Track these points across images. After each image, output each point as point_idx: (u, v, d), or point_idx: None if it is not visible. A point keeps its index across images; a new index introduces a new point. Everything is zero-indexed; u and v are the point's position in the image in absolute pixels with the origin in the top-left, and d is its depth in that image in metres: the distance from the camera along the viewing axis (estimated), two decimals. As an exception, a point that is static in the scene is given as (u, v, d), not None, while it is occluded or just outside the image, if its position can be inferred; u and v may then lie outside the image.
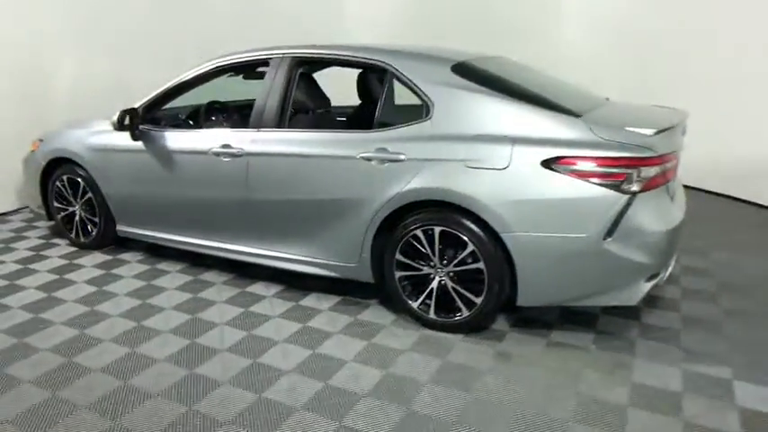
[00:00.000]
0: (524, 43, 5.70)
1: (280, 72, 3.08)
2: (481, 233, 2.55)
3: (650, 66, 5.57)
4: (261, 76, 3.69)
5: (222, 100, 4.11)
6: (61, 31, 5.07)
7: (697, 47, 5.18)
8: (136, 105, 3.46)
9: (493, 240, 2.54)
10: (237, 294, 3.26)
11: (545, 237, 2.45)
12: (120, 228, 3.79)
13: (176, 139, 3.36)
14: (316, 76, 3.70)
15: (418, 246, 2.72)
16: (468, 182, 2.53)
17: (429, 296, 2.76)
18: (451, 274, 2.69)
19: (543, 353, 2.61)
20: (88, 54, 5.26)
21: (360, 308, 3.06)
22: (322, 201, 2.90)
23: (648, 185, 2.42)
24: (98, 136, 3.66)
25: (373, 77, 3.76)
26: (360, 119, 3.47)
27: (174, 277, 3.51)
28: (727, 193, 5.23)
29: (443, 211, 2.64)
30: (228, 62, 3.30)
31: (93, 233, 3.89)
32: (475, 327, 2.75)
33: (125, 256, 3.86)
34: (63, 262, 3.78)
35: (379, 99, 2.88)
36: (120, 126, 3.36)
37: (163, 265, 3.68)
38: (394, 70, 2.82)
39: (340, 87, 4.09)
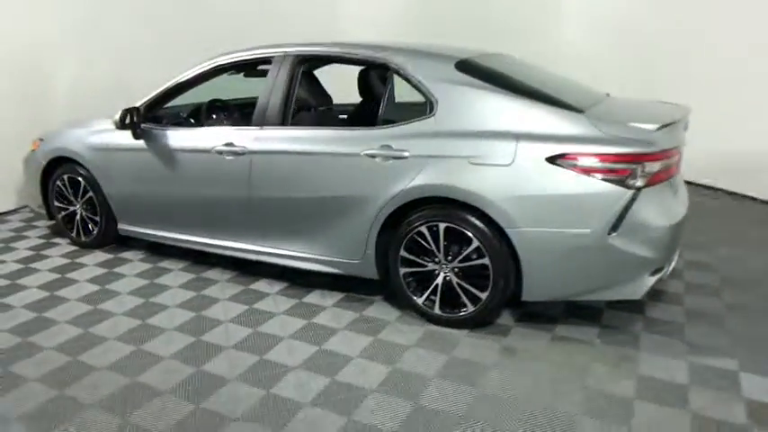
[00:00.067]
0: (523, 42, 5.70)
1: (282, 70, 3.08)
2: (486, 229, 2.56)
3: (650, 63, 5.59)
4: (262, 74, 3.70)
5: (223, 98, 4.10)
6: (61, 32, 5.05)
7: (697, 44, 5.20)
8: (137, 104, 3.45)
9: (498, 236, 2.55)
10: (241, 292, 3.26)
11: (550, 232, 2.46)
12: (122, 227, 3.78)
13: (178, 138, 3.36)
14: (316, 73, 3.71)
15: (423, 242, 2.72)
16: (473, 178, 2.54)
17: (434, 292, 2.77)
18: (456, 269, 2.70)
19: (548, 347, 2.62)
20: (88, 54, 5.24)
21: (364, 304, 3.07)
22: (326, 198, 2.90)
23: (652, 180, 2.44)
24: (99, 135, 3.65)
25: (374, 75, 3.77)
26: (362, 116, 3.48)
27: (176, 275, 3.50)
28: (727, 188, 5.26)
29: (448, 207, 2.64)
30: (231, 60, 3.29)
31: (95, 232, 3.88)
32: (480, 322, 2.76)
33: (126, 254, 3.85)
34: (64, 261, 3.77)
35: (383, 96, 2.89)
36: (122, 125, 3.35)
37: (165, 264, 3.68)
38: (397, 67, 2.83)
39: (341, 85, 4.09)
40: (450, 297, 2.75)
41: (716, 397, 2.22)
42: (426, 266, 2.77)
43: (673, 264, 2.72)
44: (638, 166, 2.39)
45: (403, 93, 3.03)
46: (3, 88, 4.73)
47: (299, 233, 3.06)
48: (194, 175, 3.29)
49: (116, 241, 3.98)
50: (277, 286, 3.32)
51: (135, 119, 3.37)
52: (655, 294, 3.07)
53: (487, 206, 2.51)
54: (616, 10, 5.96)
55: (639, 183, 2.40)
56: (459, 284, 2.70)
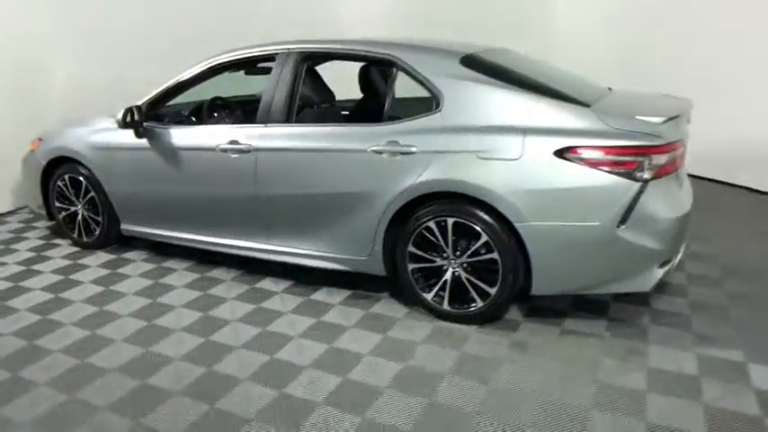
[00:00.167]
0: (519, 37, 5.68)
1: (287, 67, 3.06)
2: (495, 224, 2.56)
3: (644, 56, 5.59)
4: (263, 71, 3.67)
5: (224, 96, 4.06)
6: (56, 30, 4.99)
7: (693, 36, 5.21)
8: (139, 103, 3.41)
9: (506, 230, 2.55)
10: (247, 291, 3.24)
11: (559, 226, 2.47)
12: (125, 226, 3.75)
13: (182, 136, 3.33)
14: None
15: (431, 237, 2.72)
16: (481, 173, 2.54)
17: (443, 288, 2.77)
18: (465, 265, 2.71)
19: (558, 341, 2.63)
20: (84, 52, 5.18)
21: (371, 301, 3.07)
22: (333, 195, 2.89)
23: (659, 173, 2.44)
24: (101, 134, 3.62)
25: (376, 71, 3.75)
26: (365, 112, 3.46)
27: (181, 275, 3.48)
28: (725, 180, 5.29)
29: (456, 202, 2.64)
30: (234, 58, 3.27)
31: (97, 232, 3.85)
32: (489, 317, 2.77)
33: (129, 255, 3.83)
34: (67, 262, 3.74)
35: (388, 92, 2.88)
36: (124, 124, 3.32)
37: (169, 263, 3.66)
38: (402, 63, 2.81)
39: (339, 81, 4.06)
40: (458, 293, 2.75)
41: (726, 388, 2.24)
42: (435, 262, 2.77)
43: (680, 255, 2.73)
44: (646, 159, 2.40)
45: (405, 89, 3.01)
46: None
47: (305, 230, 3.05)
48: (199, 174, 3.27)
49: (118, 241, 3.95)
50: (283, 284, 3.31)
51: (137, 117, 3.33)
52: (659, 286, 3.04)
53: (496, 200, 2.51)
54: (612, 7, 5.96)
55: (647, 175, 2.40)
56: (467, 280, 2.71)
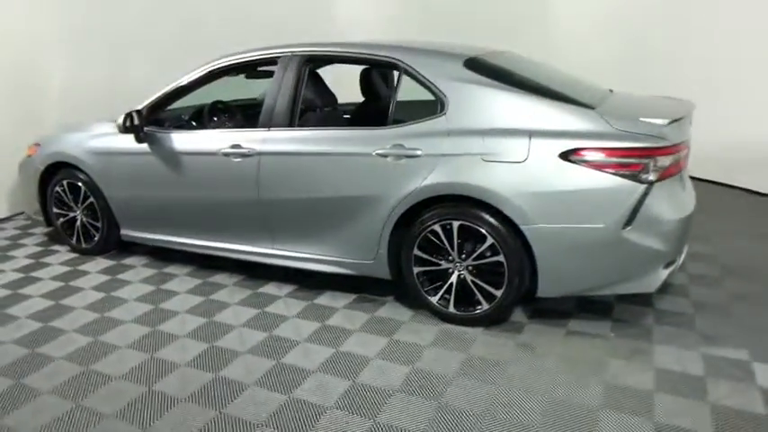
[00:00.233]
0: (512, 40, 5.72)
1: (289, 70, 3.05)
2: (500, 226, 2.57)
3: (642, 57, 5.64)
4: (263, 75, 3.66)
5: (224, 100, 4.05)
6: (54, 33, 4.96)
7: (692, 37, 5.26)
8: (139, 107, 3.39)
9: (512, 233, 2.56)
10: (250, 296, 3.23)
11: (565, 228, 2.48)
12: (125, 232, 3.73)
13: (183, 141, 3.31)
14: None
15: (436, 241, 2.73)
16: (487, 175, 2.55)
17: (448, 291, 2.77)
18: (470, 267, 2.71)
19: (564, 342, 2.64)
20: (82, 56, 5.15)
21: (376, 305, 3.06)
22: (337, 198, 2.88)
23: (664, 174, 2.46)
24: (100, 139, 3.59)
25: (377, 74, 3.75)
26: (367, 116, 3.46)
27: (183, 280, 3.46)
28: (724, 181, 5.33)
29: (461, 205, 2.65)
30: (236, 61, 3.25)
31: (96, 238, 3.82)
32: (494, 320, 2.78)
33: (129, 260, 3.80)
34: (66, 269, 3.70)
35: (392, 96, 2.88)
36: (125, 128, 3.30)
37: (170, 269, 3.63)
38: (406, 66, 2.82)
39: (341, 84, 4.07)
40: (463, 295, 2.75)
41: (732, 387, 2.26)
42: (440, 265, 2.77)
43: (683, 256, 2.75)
44: (651, 161, 2.41)
45: (406, 91, 3.01)
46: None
47: (309, 234, 3.04)
48: (201, 178, 3.25)
49: (117, 247, 3.92)
50: (286, 289, 3.30)
51: (137, 122, 3.31)
52: (662, 287, 3.10)
53: (502, 203, 2.52)
54: (607, 4, 6.00)
55: (652, 177, 2.42)
56: (473, 282, 2.71)
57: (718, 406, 2.14)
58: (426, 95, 2.85)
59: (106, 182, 3.59)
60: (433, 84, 2.74)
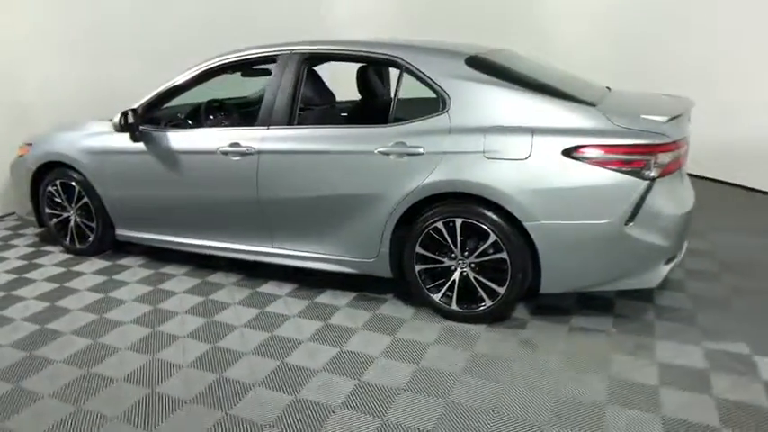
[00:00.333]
0: (512, 36, 5.74)
1: (289, 69, 3.02)
2: (503, 223, 2.57)
3: (635, 54, 5.68)
4: (259, 73, 3.63)
5: (220, 98, 4.01)
6: (43, 33, 4.87)
7: (682, 36, 5.31)
8: (135, 106, 3.34)
9: (515, 230, 2.57)
10: (250, 295, 3.20)
11: (568, 224, 2.49)
12: (120, 232, 3.68)
13: (180, 140, 3.27)
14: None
15: (439, 238, 2.72)
16: (490, 173, 2.55)
17: (450, 288, 2.77)
18: (473, 264, 2.71)
19: (567, 338, 2.65)
20: (72, 56, 5.06)
21: (377, 303, 3.05)
22: (339, 197, 2.87)
23: (665, 171, 2.48)
24: (95, 138, 3.53)
25: (374, 72, 3.74)
26: (367, 114, 3.45)
27: (180, 280, 3.42)
28: (717, 178, 5.39)
29: (464, 202, 2.64)
30: (234, 59, 3.22)
31: (90, 239, 3.76)
32: (497, 316, 2.78)
33: (125, 261, 3.75)
34: (60, 270, 3.65)
35: (394, 94, 2.87)
36: (122, 128, 3.25)
37: (167, 269, 3.59)
38: (408, 64, 2.80)
39: (338, 82, 4.05)
40: (466, 292, 2.75)
41: (736, 381, 2.28)
42: (443, 263, 2.77)
43: (683, 251, 2.78)
44: (653, 158, 2.43)
45: (404, 89, 3.00)
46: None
47: (310, 233, 3.02)
48: (199, 177, 3.21)
49: (112, 247, 3.87)
50: (286, 288, 3.27)
51: (133, 121, 3.26)
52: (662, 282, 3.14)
53: (505, 200, 2.53)
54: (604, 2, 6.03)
55: (654, 173, 2.44)
56: (476, 279, 2.71)
57: (722, 399, 2.17)
58: (426, 93, 2.84)
59: (101, 181, 3.54)
60: (434, 82, 2.73)
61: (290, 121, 3.02)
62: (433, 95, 2.77)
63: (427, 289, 2.83)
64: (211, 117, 3.74)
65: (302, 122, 3.11)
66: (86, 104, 4.75)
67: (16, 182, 3.99)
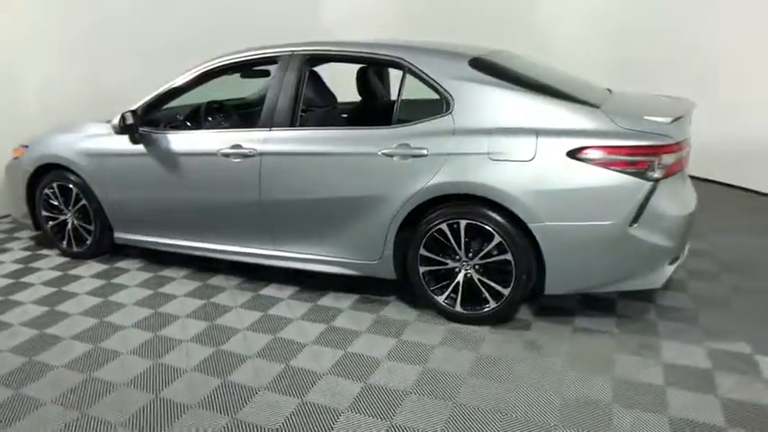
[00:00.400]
0: (510, 37, 5.75)
1: (290, 70, 3.01)
2: (508, 225, 2.57)
3: (640, 60, 5.68)
4: (259, 74, 3.61)
5: (219, 99, 3.98)
6: (38, 34, 4.81)
7: (680, 37, 5.34)
8: (134, 107, 3.31)
9: (520, 231, 2.57)
10: (252, 298, 3.18)
11: (573, 225, 2.49)
12: (119, 235, 3.64)
13: (180, 141, 3.25)
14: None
15: (443, 240, 2.72)
16: (495, 174, 2.55)
17: (455, 290, 2.77)
18: (477, 266, 2.71)
19: (571, 339, 2.66)
20: (67, 58, 5.01)
21: (380, 305, 3.04)
22: (342, 198, 2.86)
23: (668, 172, 2.49)
24: (93, 140, 3.50)
25: (374, 73, 3.73)
26: (369, 115, 3.44)
27: (180, 284, 3.39)
28: (717, 179, 5.43)
29: (468, 204, 2.64)
30: (234, 60, 3.20)
31: (88, 242, 3.72)
32: (502, 318, 2.78)
33: (123, 264, 3.71)
34: (57, 273, 3.60)
35: (398, 95, 2.86)
36: (121, 129, 3.21)
37: (167, 272, 3.56)
38: (411, 66, 2.80)
39: (337, 83, 4.03)
40: (471, 294, 2.75)
41: (739, 380, 2.30)
42: (447, 264, 2.76)
43: (686, 252, 2.80)
44: (657, 159, 2.44)
45: (407, 90, 3.00)
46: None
47: (313, 235, 3.01)
48: (199, 179, 3.19)
49: (110, 250, 3.83)
50: (288, 290, 3.26)
51: (133, 123, 3.23)
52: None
53: (510, 202, 2.53)
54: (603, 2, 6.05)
55: (657, 174, 2.45)
56: (480, 281, 2.71)
57: (727, 399, 2.18)
58: (429, 94, 2.84)
59: (99, 184, 3.50)
60: (438, 83, 2.73)
61: (292, 122, 3.00)
62: (436, 97, 2.77)
63: (431, 291, 2.83)
64: (211, 118, 3.71)
65: (304, 124, 3.09)
66: (85, 106, 4.70)
67: (12, 184, 3.94)
